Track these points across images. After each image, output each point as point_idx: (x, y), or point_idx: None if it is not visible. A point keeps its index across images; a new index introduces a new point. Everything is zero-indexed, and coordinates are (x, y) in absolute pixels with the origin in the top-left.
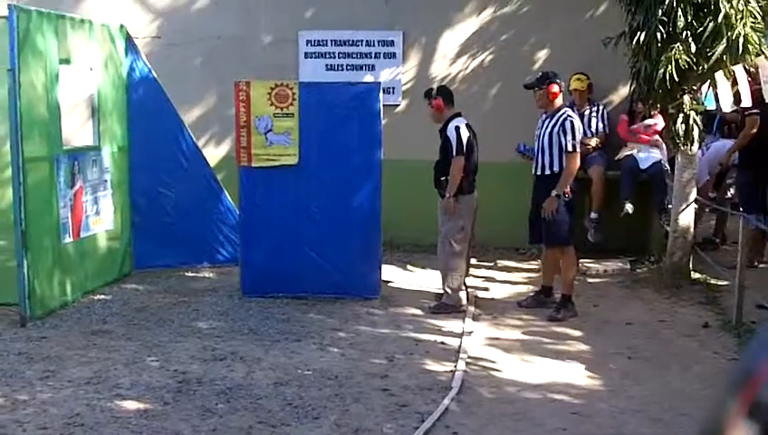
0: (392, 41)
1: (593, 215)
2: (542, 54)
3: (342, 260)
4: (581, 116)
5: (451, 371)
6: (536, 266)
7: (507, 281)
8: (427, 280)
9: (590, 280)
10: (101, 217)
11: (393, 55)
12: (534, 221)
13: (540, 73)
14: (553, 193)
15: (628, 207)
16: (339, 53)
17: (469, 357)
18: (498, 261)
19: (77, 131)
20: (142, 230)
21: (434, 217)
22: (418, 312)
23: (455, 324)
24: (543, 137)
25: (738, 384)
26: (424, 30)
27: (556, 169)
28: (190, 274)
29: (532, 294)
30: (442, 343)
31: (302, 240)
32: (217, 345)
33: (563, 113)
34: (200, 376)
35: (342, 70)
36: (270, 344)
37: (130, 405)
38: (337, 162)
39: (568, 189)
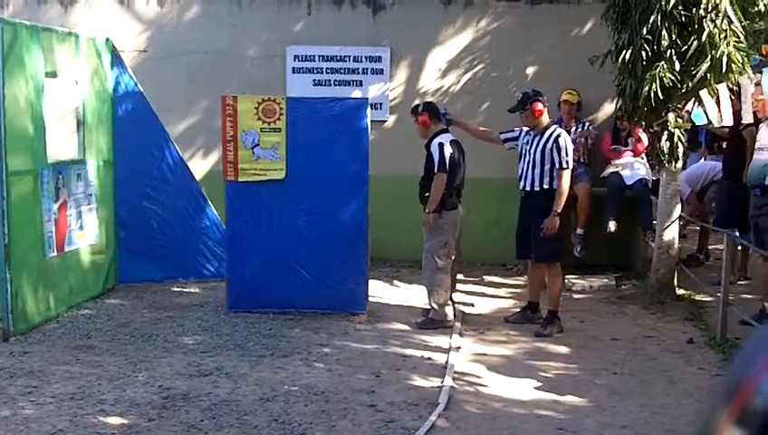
0: (379, 57)
1: (579, 231)
2: (530, 71)
3: (329, 275)
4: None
5: (438, 386)
6: (522, 282)
7: (494, 296)
8: (414, 295)
9: (576, 296)
10: (86, 232)
11: (381, 71)
12: (522, 237)
13: (520, 95)
14: (554, 210)
15: (611, 225)
16: (326, 69)
17: (456, 373)
18: (485, 277)
19: (62, 145)
20: (127, 244)
21: (420, 233)
22: (406, 327)
23: (441, 340)
24: (534, 153)
25: (728, 393)
26: (411, 46)
27: (546, 185)
28: (175, 289)
29: (518, 309)
30: (429, 358)
31: (289, 255)
32: (203, 361)
33: (554, 130)
34: (185, 392)
35: (330, 85)
36: (256, 360)
37: (114, 421)
38: (324, 177)
39: (560, 208)
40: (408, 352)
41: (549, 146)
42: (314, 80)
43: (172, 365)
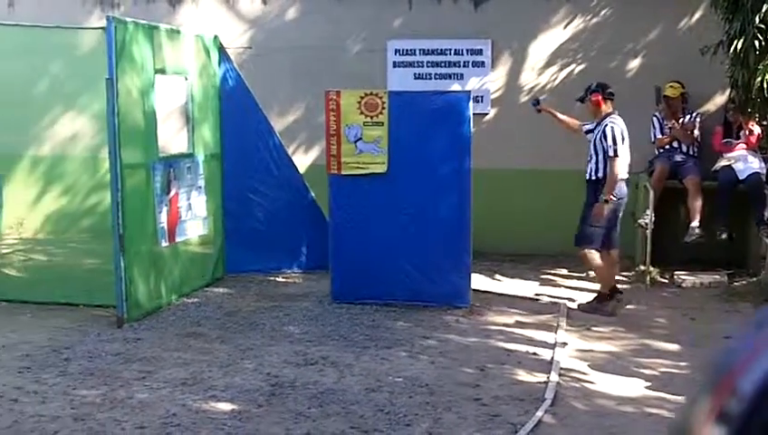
0: (481, 49)
1: (694, 223)
2: (635, 64)
3: (432, 268)
4: (669, 128)
5: (544, 382)
6: (629, 277)
7: (599, 291)
8: (515, 289)
9: (687, 293)
10: (196, 223)
11: (482, 64)
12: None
13: (589, 85)
14: (601, 198)
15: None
16: (427, 62)
17: (561, 369)
18: (590, 272)
19: (172, 139)
20: (233, 235)
21: (521, 226)
22: (509, 321)
23: (546, 335)
24: (591, 144)
25: (710, 385)
26: (513, 38)
27: (600, 174)
28: (280, 279)
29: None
30: (534, 353)
31: (392, 248)
32: (308, 350)
33: (606, 121)
34: (292, 380)
35: (430, 79)
36: (360, 351)
37: (225, 407)
38: (426, 170)
39: (609, 196)
40: (512, 346)
41: (599, 136)
42: (415, 73)
43: (279, 354)
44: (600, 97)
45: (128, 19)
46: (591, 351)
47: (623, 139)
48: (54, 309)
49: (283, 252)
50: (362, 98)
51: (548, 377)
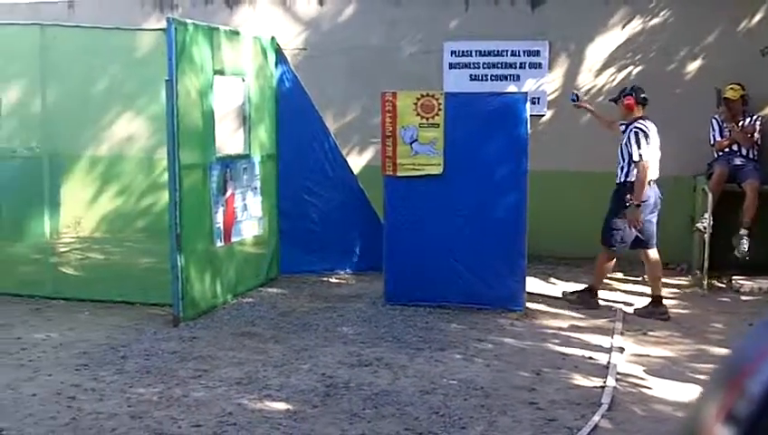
0: (538, 51)
1: (742, 232)
2: (694, 66)
3: (486, 271)
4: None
5: (600, 386)
6: (685, 282)
7: None
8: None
9: (744, 298)
10: (251, 223)
11: (539, 66)
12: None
13: (624, 88)
14: (633, 202)
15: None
16: (483, 64)
17: (618, 373)
18: (646, 276)
19: (228, 140)
20: (288, 236)
21: (576, 229)
22: (563, 325)
23: (602, 340)
24: (619, 147)
25: (720, 385)
26: (571, 40)
27: (625, 178)
28: (333, 280)
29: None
30: (590, 358)
31: (446, 250)
32: (362, 351)
33: (634, 125)
34: (347, 381)
35: (486, 80)
36: (414, 352)
37: (280, 407)
38: (482, 172)
39: (639, 200)
40: (568, 350)
41: (625, 140)
42: (471, 75)
43: (333, 354)
44: (632, 101)
45: (188, 21)
46: (648, 356)
47: (648, 142)
48: (111, 307)
49: (336, 253)
50: (418, 99)
51: (604, 381)
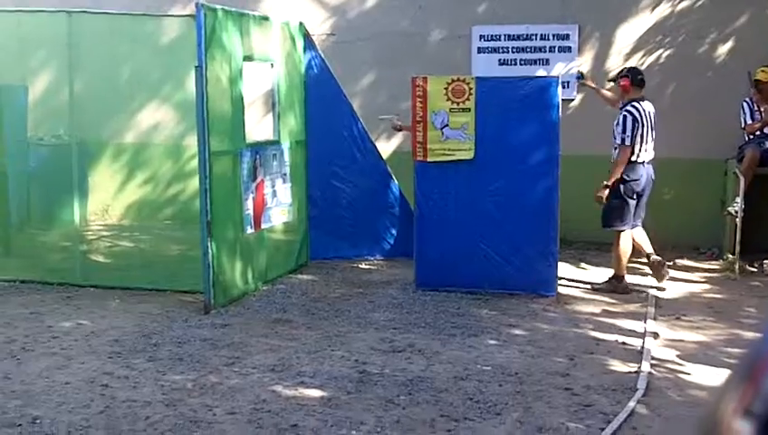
0: (567, 35)
1: None
2: (724, 49)
3: (518, 256)
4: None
5: (635, 372)
6: (717, 266)
7: (686, 280)
8: (600, 278)
9: None
10: (281, 210)
11: (568, 49)
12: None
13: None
14: (604, 182)
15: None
16: (512, 48)
17: (653, 358)
18: (677, 260)
19: (257, 126)
20: (317, 222)
21: None
22: (596, 310)
23: (635, 324)
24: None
25: (739, 378)
26: (599, 24)
27: (614, 158)
28: (363, 265)
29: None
30: (623, 343)
31: (477, 235)
32: (395, 337)
33: (626, 107)
34: (380, 367)
35: (516, 64)
36: (447, 338)
37: (314, 393)
38: (513, 157)
39: (611, 181)
40: (601, 335)
41: (615, 122)
42: (500, 59)
43: (366, 341)
44: (628, 82)
45: (217, 6)
46: (682, 341)
47: (637, 125)
48: (141, 294)
49: (366, 239)
50: (449, 84)
51: (639, 367)
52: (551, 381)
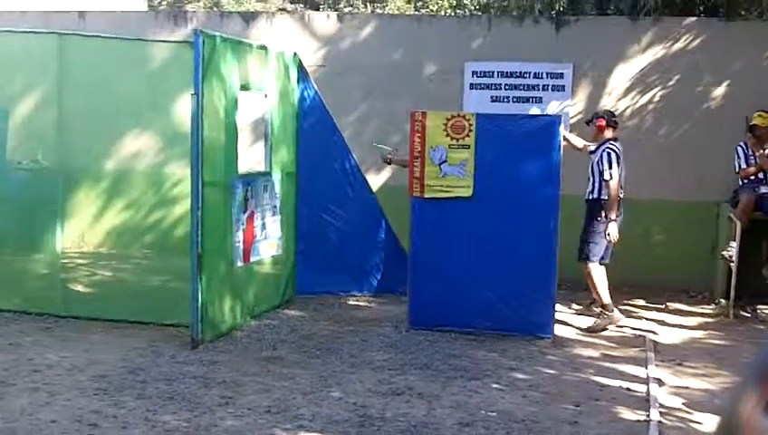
0: (561, 73)
1: None
2: (719, 92)
3: (514, 297)
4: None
5: (645, 420)
6: (710, 311)
7: (681, 325)
8: (590, 319)
9: None
10: (270, 242)
11: (562, 88)
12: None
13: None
14: (609, 217)
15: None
16: (505, 85)
17: (660, 406)
18: (668, 304)
19: (244, 154)
20: (305, 256)
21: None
22: (595, 354)
23: (636, 369)
24: (590, 166)
25: (760, 373)
26: (595, 63)
27: (596, 195)
28: (351, 302)
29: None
30: (628, 389)
31: (474, 274)
32: (392, 379)
33: (605, 145)
34: (381, 411)
35: (508, 102)
36: (446, 381)
37: None
38: (513, 196)
39: (603, 214)
40: (604, 380)
41: (597, 159)
42: (492, 96)
43: (363, 382)
44: (604, 123)
45: (216, 33)
46: (687, 388)
47: (619, 163)
48: (124, 327)
49: (353, 274)
50: (449, 120)
51: (648, 415)
52: (559, 429)
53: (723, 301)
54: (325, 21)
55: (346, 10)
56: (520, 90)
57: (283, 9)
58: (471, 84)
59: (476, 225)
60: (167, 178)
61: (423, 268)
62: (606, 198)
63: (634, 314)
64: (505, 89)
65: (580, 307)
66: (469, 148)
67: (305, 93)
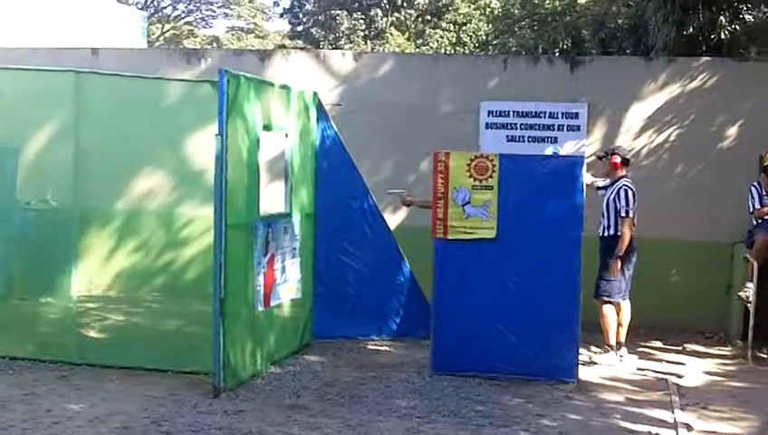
0: (576, 113)
1: None
2: (732, 132)
3: (538, 340)
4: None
5: None
6: (726, 352)
7: (701, 368)
8: (617, 363)
9: None
10: (289, 286)
11: (577, 128)
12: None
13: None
14: (615, 253)
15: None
16: (521, 125)
17: None
18: (686, 345)
19: (267, 197)
20: (323, 299)
21: None
22: (620, 399)
23: (662, 414)
24: (605, 202)
25: None
26: (610, 103)
27: (612, 232)
28: (371, 346)
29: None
30: (657, 434)
31: (498, 317)
32: (421, 427)
33: (621, 182)
34: None
35: (524, 141)
36: (475, 429)
37: None
38: (536, 237)
39: (622, 252)
40: (632, 426)
41: (613, 196)
42: (508, 135)
43: (391, 430)
44: (619, 160)
45: (240, 73)
46: (715, 432)
47: (635, 200)
48: (141, 375)
49: (372, 317)
50: (472, 160)
51: None
52: None
53: (739, 342)
54: (341, 59)
55: (347, 47)
56: (535, 129)
57: (283, 46)
58: (487, 124)
59: (500, 267)
60: (178, 218)
61: (446, 312)
62: (620, 233)
63: (652, 357)
64: (521, 128)
65: (599, 350)
66: (492, 189)
67: (325, 133)
